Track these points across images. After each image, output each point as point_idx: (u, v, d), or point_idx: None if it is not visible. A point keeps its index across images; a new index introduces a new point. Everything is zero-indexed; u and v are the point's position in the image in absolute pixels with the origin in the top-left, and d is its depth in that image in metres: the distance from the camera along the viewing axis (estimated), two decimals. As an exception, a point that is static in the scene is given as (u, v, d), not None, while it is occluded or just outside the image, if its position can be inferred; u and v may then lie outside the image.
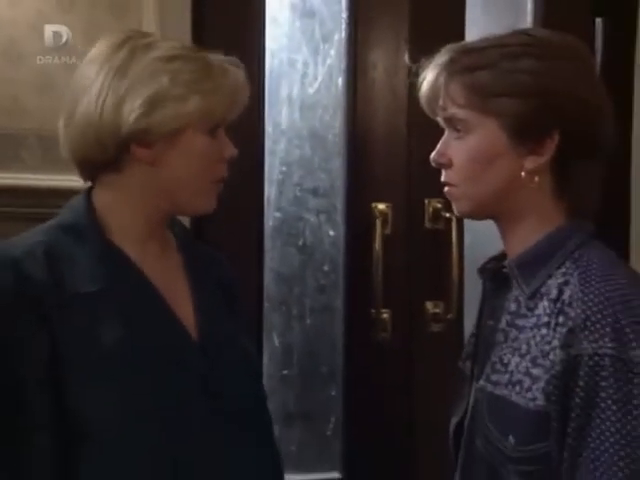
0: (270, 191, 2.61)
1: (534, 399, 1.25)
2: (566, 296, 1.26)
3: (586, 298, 1.23)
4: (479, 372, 1.37)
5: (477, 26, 2.58)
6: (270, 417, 1.58)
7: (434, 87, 1.34)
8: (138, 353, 1.39)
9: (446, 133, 1.37)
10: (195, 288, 1.51)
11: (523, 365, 1.29)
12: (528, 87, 1.29)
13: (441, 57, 1.34)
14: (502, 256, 1.40)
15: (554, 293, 1.28)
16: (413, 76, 1.39)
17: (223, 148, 1.46)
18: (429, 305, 2.62)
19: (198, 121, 1.41)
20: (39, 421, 1.33)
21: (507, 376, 1.31)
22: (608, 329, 1.20)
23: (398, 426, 2.61)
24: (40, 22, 2.25)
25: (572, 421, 1.21)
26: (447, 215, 2.54)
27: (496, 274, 1.39)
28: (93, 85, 1.40)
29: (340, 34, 2.63)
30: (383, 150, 2.61)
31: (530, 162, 1.31)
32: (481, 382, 1.35)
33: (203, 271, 1.55)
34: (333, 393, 2.68)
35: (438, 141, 1.37)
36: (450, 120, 1.34)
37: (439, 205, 2.57)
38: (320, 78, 2.65)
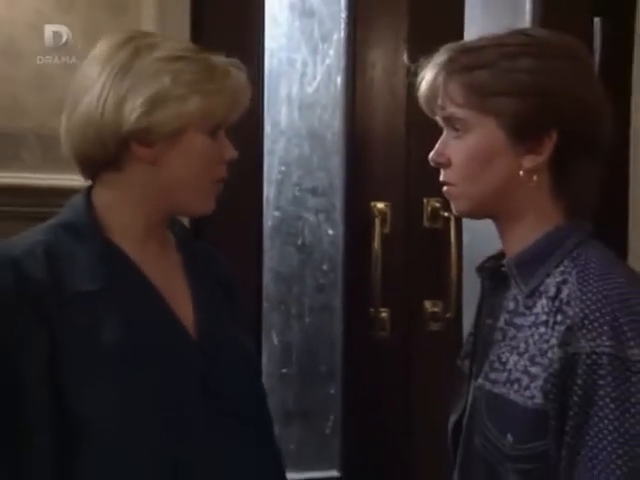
0: (269, 190, 2.61)
1: (532, 397, 1.26)
2: (564, 295, 1.26)
3: (584, 297, 1.24)
4: (477, 370, 1.38)
5: (476, 26, 2.58)
6: (270, 416, 1.58)
7: (433, 86, 1.34)
8: (138, 352, 1.39)
9: (445, 132, 1.37)
10: (194, 287, 1.51)
11: (521, 363, 1.29)
12: (527, 86, 1.29)
13: (440, 56, 1.34)
14: (500, 255, 1.40)
15: (552, 292, 1.28)
16: (412, 75, 1.39)
17: (223, 150, 1.46)
18: (428, 304, 2.62)
19: (199, 121, 1.41)
20: (39, 421, 1.33)
21: (505, 374, 1.31)
22: (606, 327, 1.20)
23: (397, 424, 2.61)
24: (40, 22, 2.24)
25: (570, 419, 1.21)
26: (446, 214, 2.54)
27: (494, 273, 1.39)
28: (95, 84, 1.40)
29: (339, 34, 2.63)
30: (382, 149, 2.60)
31: (528, 161, 1.31)
32: (479, 380, 1.36)
33: (202, 270, 1.55)
34: (332, 392, 2.67)
35: (437, 140, 1.37)
36: (449, 119, 1.35)
37: (438, 204, 2.57)
38: (319, 77, 2.65)
